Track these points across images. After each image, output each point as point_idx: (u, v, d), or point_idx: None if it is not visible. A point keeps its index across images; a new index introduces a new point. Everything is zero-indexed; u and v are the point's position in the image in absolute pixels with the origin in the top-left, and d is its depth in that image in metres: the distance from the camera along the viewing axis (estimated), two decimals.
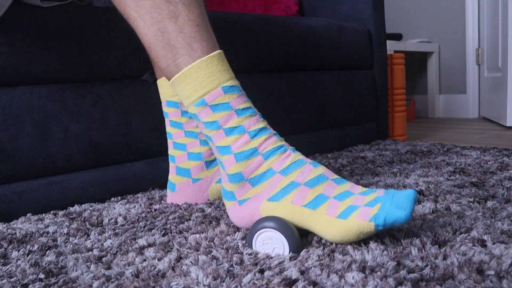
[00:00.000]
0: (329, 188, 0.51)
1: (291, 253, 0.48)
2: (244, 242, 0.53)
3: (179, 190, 0.75)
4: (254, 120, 0.54)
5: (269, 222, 0.49)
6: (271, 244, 0.49)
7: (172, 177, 0.76)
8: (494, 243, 0.47)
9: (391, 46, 2.13)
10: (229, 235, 0.56)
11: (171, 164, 0.76)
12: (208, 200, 0.76)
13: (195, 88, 0.53)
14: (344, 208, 0.49)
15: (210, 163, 0.76)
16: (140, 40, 0.56)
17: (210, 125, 0.54)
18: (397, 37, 2.27)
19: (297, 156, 0.54)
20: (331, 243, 0.51)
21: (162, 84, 0.76)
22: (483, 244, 0.47)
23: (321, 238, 0.53)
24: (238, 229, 0.59)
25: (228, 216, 0.65)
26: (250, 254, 0.49)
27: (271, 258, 0.48)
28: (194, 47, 0.53)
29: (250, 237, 0.51)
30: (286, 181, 0.52)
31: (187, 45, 0.53)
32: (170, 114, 0.75)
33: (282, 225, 0.49)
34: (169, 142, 0.77)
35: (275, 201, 0.52)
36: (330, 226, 0.48)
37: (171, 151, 0.77)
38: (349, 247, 0.49)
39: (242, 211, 0.55)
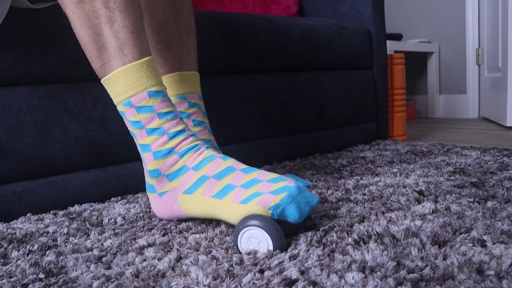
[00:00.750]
0: (237, 178, 0.55)
1: (275, 248, 0.49)
2: None
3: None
4: (174, 123, 0.59)
5: (253, 220, 0.50)
6: (255, 241, 0.50)
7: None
8: (494, 243, 0.47)
9: (391, 46, 2.13)
10: (229, 235, 0.56)
11: None
12: None
13: (123, 89, 0.57)
14: (248, 195, 0.52)
15: None
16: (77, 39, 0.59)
17: (135, 124, 0.59)
18: (397, 37, 2.27)
19: (209, 152, 0.59)
20: (331, 243, 0.51)
21: None
22: (483, 244, 0.47)
23: (321, 238, 0.53)
24: None
25: None
26: (249, 254, 0.49)
27: (271, 258, 0.48)
28: (125, 52, 0.57)
29: (235, 235, 0.51)
30: (197, 175, 0.58)
31: (119, 50, 0.56)
32: None
33: (265, 223, 0.49)
34: None
35: (189, 193, 0.58)
36: (233, 212, 0.52)
37: None
38: (349, 247, 0.49)
39: (162, 202, 0.62)
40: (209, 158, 0.58)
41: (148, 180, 0.63)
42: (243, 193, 0.53)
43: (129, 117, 0.59)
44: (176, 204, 0.60)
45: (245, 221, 0.50)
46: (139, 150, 0.62)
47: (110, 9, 0.56)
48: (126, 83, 0.57)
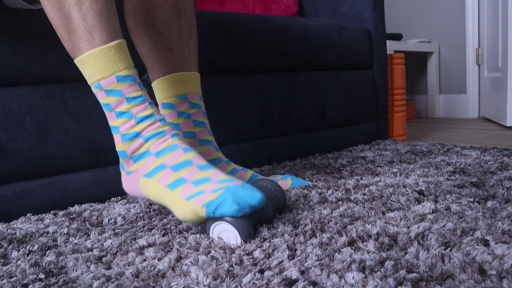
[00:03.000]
0: (191, 173, 0.58)
1: (242, 240, 0.53)
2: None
3: None
4: (142, 108, 0.61)
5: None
6: (225, 234, 0.54)
7: None
8: (496, 243, 0.47)
9: (391, 46, 2.13)
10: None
11: None
12: None
13: (93, 72, 0.59)
14: (194, 192, 0.55)
15: (211, 162, 0.76)
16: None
17: (105, 106, 0.61)
18: (397, 37, 2.27)
19: (173, 141, 0.61)
20: (330, 243, 0.51)
21: (157, 86, 0.76)
22: (485, 243, 0.47)
23: (321, 238, 0.53)
24: None
25: None
26: (249, 254, 0.49)
27: (271, 258, 0.47)
28: (94, 35, 0.58)
29: (208, 226, 0.55)
30: (157, 162, 0.60)
31: (88, 33, 0.57)
32: (166, 116, 0.75)
33: (236, 220, 0.53)
34: None
35: (148, 177, 0.60)
36: (179, 206, 0.56)
37: None
38: (349, 247, 0.49)
39: (129, 180, 0.64)
40: (172, 147, 0.60)
41: (120, 159, 0.65)
42: (191, 190, 0.56)
43: (100, 99, 0.61)
44: (138, 185, 0.62)
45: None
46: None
47: None
48: (95, 66, 0.58)
